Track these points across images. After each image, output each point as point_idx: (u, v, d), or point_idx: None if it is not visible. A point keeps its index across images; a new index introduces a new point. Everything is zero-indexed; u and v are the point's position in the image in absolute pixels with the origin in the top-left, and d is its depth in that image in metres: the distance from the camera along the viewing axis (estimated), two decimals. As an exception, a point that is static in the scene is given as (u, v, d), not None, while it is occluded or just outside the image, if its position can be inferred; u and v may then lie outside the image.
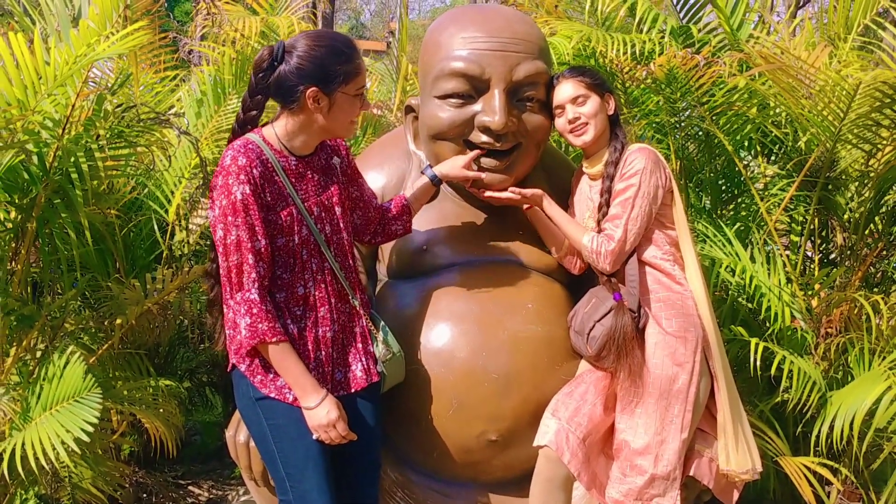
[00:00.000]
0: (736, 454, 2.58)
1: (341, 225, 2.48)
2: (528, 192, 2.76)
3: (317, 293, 2.38)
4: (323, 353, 2.39)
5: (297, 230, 2.34)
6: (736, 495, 2.68)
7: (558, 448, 2.50)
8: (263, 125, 2.41)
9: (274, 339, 2.25)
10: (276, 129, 2.36)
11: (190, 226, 4.09)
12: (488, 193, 2.79)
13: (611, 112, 2.72)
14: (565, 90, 2.69)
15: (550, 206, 2.76)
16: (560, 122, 2.72)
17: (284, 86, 2.27)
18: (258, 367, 2.34)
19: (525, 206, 2.84)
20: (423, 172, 2.82)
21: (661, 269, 2.64)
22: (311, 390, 2.30)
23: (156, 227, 4.06)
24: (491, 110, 2.67)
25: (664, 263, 2.64)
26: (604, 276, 2.67)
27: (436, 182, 2.79)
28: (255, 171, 2.24)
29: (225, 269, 2.25)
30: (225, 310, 2.32)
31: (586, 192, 2.81)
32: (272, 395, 2.32)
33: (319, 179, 2.44)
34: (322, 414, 2.29)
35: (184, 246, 4.12)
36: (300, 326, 2.36)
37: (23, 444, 2.81)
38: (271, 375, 2.33)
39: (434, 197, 2.93)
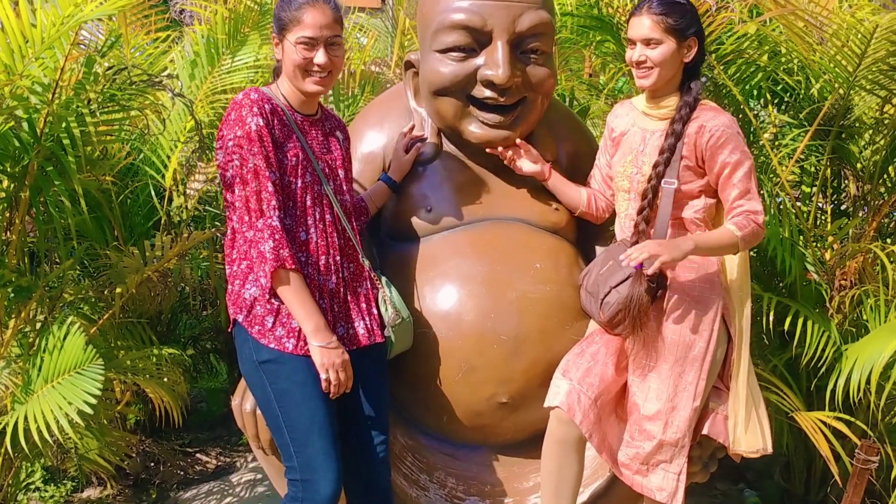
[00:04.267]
0: (745, 436, 2.52)
1: (345, 187, 2.48)
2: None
3: (318, 241, 2.36)
4: (325, 302, 2.37)
5: (301, 173, 2.34)
6: None
7: (570, 409, 2.44)
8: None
9: (294, 266, 2.25)
10: (278, 85, 2.42)
11: (188, 191, 4.01)
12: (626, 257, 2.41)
13: (688, 59, 2.48)
14: (641, 26, 2.44)
15: (696, 248, 2.40)
16: (628, 55, 2.51)
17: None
18: (257, 316, 2.31)
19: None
20: (379, 179, 2.84)
21: (693, 232, 2.55)
22: (325, 328, 2.30)
23: (153, 192, 3.99)
24: (494, 63, 2.59)
25: (696, 226, 2.55)
26: (628, 240, 2.56)
27: (393, 187, 2.83)
28: (266, 105, 2.28)
29: (242, 197, 2.25)
30: (239, 242, 2.32)
31: (637, 134, 2.60)
32: (272, 345, 2.29)
33: (323, 141, 2.46)
34: (337, 353, 2.31)
35: (182, 212, 4.05)
36: (309, 272, 2.35)
37: (25, 418, 2.77)
38: (269, 325, 2.30)
39: (437, 156, 2.87)
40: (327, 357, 2.29)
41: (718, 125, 2.43)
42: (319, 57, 2.32)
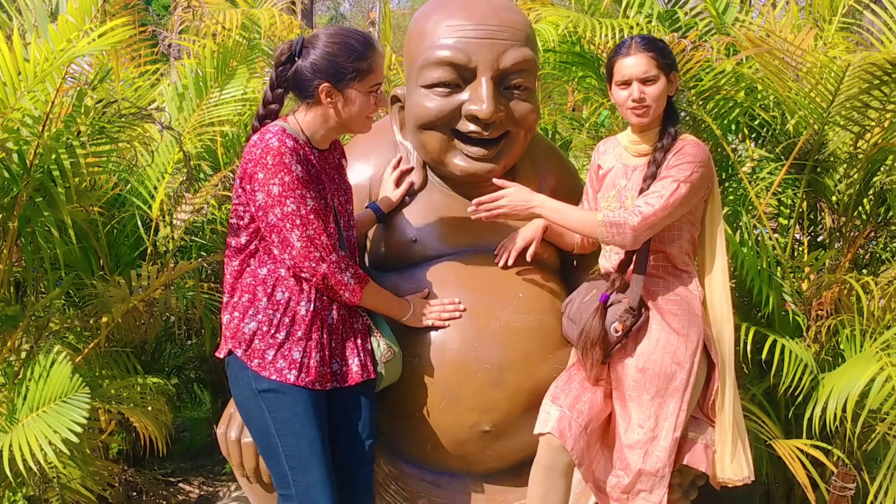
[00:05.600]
0: (731, 465, 2.57)
1: (351, 223, 2.56)
2: (511, 186, 2.60)
3: None
4: (325, 337, 2.40)
5: (328, 215, 2.40)
6: None
7: (561, 435, 2.47)
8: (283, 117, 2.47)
9: (369, 279, 2.47)
10: (299, 122, 2.42)
11: (174, 221, 4.04)
12: (475, 207, 2.65)
13: (671, 93, 2.56)
14: (636, 65, 2.49)
15: (543, 206, 2.57)
16: (620, 96, 2.55)
17: (301, 80, 2.35)
18: (256, 350, 2.35)
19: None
20: (367, 207, 2.89)
21: (679, 266, 2.61)
22: (403, 305, 2.64)
23: (139, 223, 4.01)
24: (478, 99, 2.64)
25: (682, 260, 2.61)
26: (612, 272, 2.62)
27: (379, 215, 2.87)
28: (301, 152, 2.32)
29: (306, 237, 2.30)
30: (246, 278, 2.40)
31: (619, 170, 2.68)
32: (273, 377, 2.33)
33: (335, 176, 2.51)
34: (420, 310, 2.65)
35: (168, 242, 4.07)
36: (315, 307, 2.39)
37: (10, 446, 2.76)
38: (270, 358, 2.34)
39: (422, 188, 2.92)
40: (417, 320, 2.65)
41: (688, 148, 2.50)
42: (384, 99, 2.44)
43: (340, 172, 2.57)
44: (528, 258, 2.77)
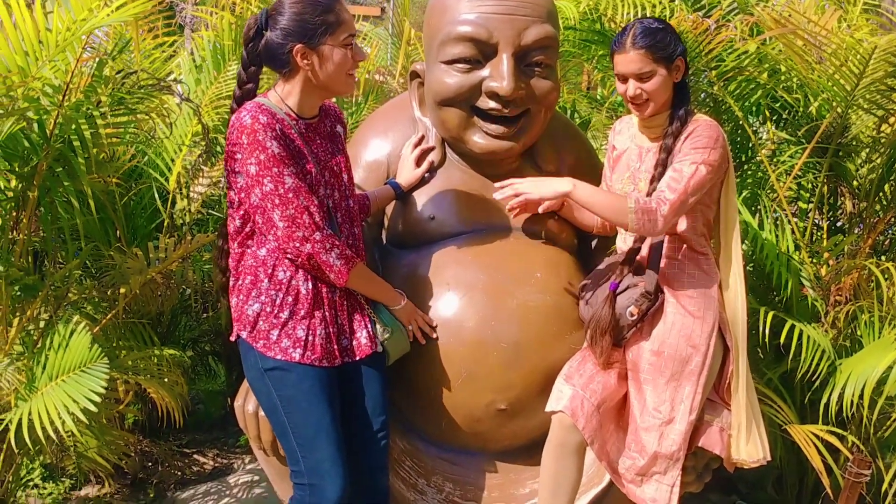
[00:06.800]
0: (747, 446, 2.57)
1: (348, 192, 2.50)
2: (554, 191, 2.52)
3: None
4: (328, 314, 2.39)
5: (316, 189, 2.35)
6: None
7: (573, 414, 2.48)
8: (263, 93, 2.41)
9: (360, 259, 2.40)
10: (279, 94, 2.37)
11: (191, 194, 4.05)
12: (507, 199, 2.59)
13: (678, 79, 2.50)
14: (631, 62, 2.43)
15: (573, 193, 2.47)
16: (620, 89, 2.52)
17: (273, 51, 2.29)
18: (261, 331, 2.35)
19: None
20: (386, 183, 2.86)
21: (696, 248, 2.59)
22: (395, 294, 2.57)
23: (156, 195, 4.02)
24: (499, 76, 2.62)
25: (698, 242, 2.59)
26: (627, 253, 2.60)
27: (398, 192, 2.85)
28: (277, 127, 2.25)
29: (287, 216, 2.26)
30: (248, 259, 2.37)
31: (634, 151, 2.66)
32: (278, 356, 2.33)
33: (326, 145, 2.45)
34: (409, 308, 2.59)
35: (185, 214, 4.08)
36: (316, 283, 2.36)
37: (29, 415, 2.79)
38: (274, 338, 2.34)
39: (440, 165, 2.91)
40: (405, 315, 2.58)
41: (701, 130, 2.46)
42: (361, 52, 2.36)
43: (335, 140, 2.50)
44: (541, 210, 2.62)
